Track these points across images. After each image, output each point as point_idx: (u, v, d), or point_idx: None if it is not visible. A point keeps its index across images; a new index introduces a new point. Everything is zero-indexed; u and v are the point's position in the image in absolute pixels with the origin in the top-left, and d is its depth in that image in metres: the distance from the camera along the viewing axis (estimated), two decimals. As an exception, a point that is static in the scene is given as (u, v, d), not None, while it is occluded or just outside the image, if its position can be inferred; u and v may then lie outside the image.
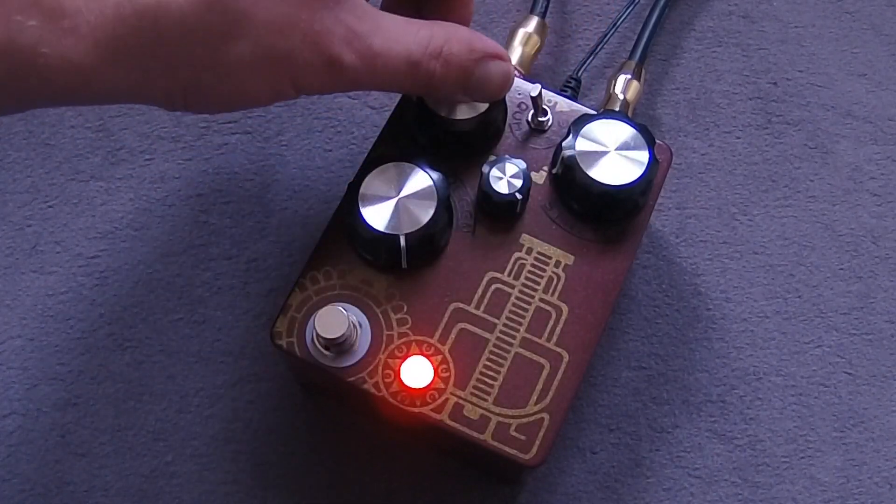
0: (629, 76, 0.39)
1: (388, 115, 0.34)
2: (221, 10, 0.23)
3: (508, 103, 0.34)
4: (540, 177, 0.33)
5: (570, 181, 0.32)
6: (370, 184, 0.31)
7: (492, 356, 0.31)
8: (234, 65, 0.25)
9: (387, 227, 0.30)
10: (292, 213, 0.40)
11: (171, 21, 0.23)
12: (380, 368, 0.30)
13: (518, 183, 0.31)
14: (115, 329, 0.38)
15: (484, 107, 0.32)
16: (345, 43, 0.26)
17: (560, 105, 0.34)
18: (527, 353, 0.31)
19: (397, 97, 0.35)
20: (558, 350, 0.31)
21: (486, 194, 0.32)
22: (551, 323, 0.31)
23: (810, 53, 0.44)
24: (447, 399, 0.30)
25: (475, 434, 0.30)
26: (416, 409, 0.30)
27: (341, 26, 0.26)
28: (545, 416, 0.30)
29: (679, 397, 0.38)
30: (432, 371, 0.31)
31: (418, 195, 0.31)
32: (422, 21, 0.29)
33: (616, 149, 0.32)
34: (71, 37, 0.22)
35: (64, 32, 0.22)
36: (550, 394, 0.31)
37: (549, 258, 0.32)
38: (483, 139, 0.33)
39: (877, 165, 0.42)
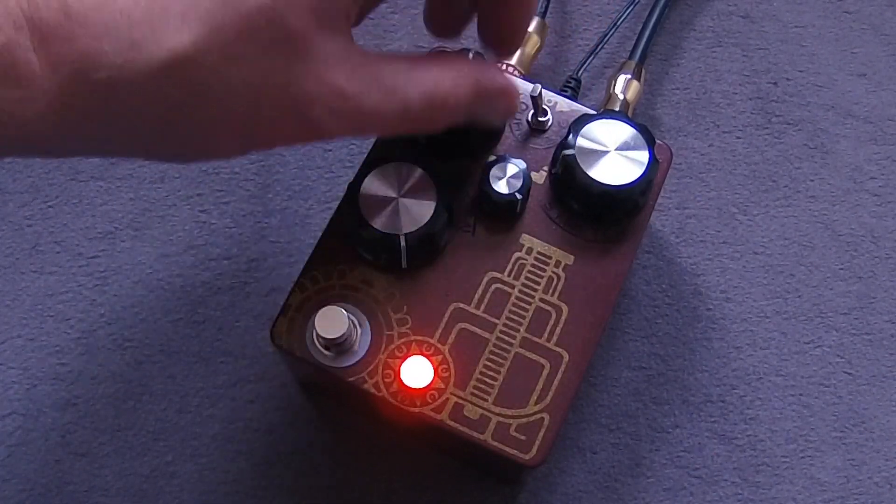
0: (629, 76, 0.39)
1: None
2: (178, 84, 0.22)
3: (508, 103, 0.34)
4: (540, 177, 0.33)
5: (570, 181, 0.32)
6: (370, 184, 0.31)
7: (492, 356, 0.31)
8: (196, 130, 0.24)
9: (387, 227, 0.30)
10: (292, 213, 0.40)
11: (126, 96, 0.22)
12: (380, 368, 0.30)
13: (518, 183, 0.31)
14: (115, 329, 0.38)
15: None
16: (327, 108, 0.24)
17: (560, 105, 0.34)
18: (527, 353, 0.31)
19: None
20: (558, 350, 0.31)
21: (486, 194, 0.32)
22: (551, 323, 0.31)
23: (810, 53, 0.44)
24: (447, 399, 0.30)
25: (475, 434, 0.30)
26: (416, 409, 0.30)
27: (325, 88, 0.24)
28: (545, 416, 0.30)
29: (679, 397, 0.38)
30: (432, 371, 0.31)
31: (418, 195, 0.31)
32: (428, 61, 0.27)
33: (616, 149, 0.32)
34: (28, 107, 0.22)
35: (20, 101, 0.22)
36: (550, 394, 0.31)
37: (549, 258, 0.32)
38: (483, 139, 0.33)
39: (877, 165, 0.42)
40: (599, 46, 0.41)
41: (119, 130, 0.23)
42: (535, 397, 0.31)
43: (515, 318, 0.31)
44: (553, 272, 0.32)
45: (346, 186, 0.32)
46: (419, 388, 0.30)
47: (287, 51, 0.23)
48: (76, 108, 0.22)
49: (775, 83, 0.43)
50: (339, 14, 0.24)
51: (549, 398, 0.31)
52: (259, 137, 0.25)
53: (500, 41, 0.29)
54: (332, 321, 0.29)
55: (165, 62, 0.22)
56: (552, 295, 0.32)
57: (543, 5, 0.40)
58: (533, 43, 0.39)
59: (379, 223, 0.31)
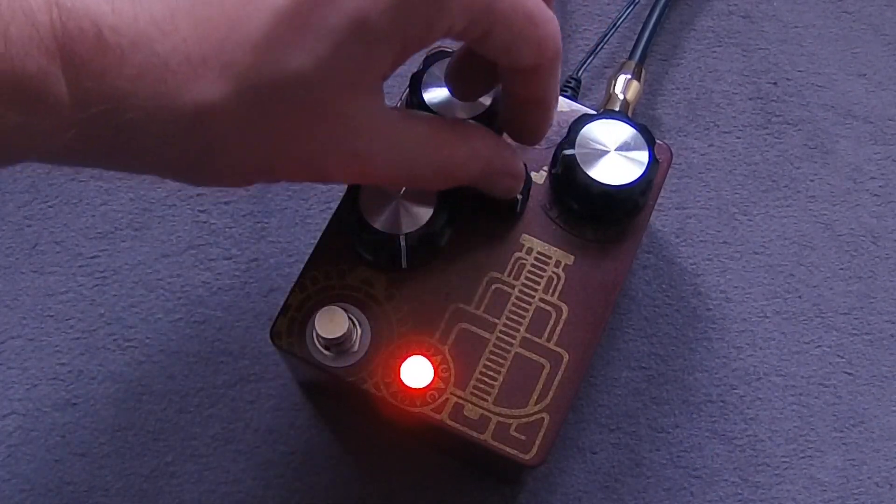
0: (629, 76, 0.39)
1: (388, 115, 0.34)
2: (202, 135, 0.23)
3: (508, 103, 0.34)
4: (540, 177, 0.33)
5: (569, 181, 0.32)
6: (384, 182, 0.31)
7: (492, 356, 0.31)
8: (211, 172, 0.24)
9: (387, 227, 0.30)
10: (292, 213, 0.40)
11: (149, 139, 0.23)
12: (380, 368, 0.30)
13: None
14: (115, 329, 0.38)
15: (484, 107, 0.32)
16: (339, 166, 0.25)
17: (560, 105, 0.34)
18: (527, 353, 0.31)
19: (398, 98, 0.35)
20: (558, 350, 0.31)
21: (487, 194, 0.32)
22: (551, 323, 0.31)
23: (810, 53, 0.44)
24: (447, 399, 0.30)
25: (475, 434, 0.30)
26: (416, 409, 0.30)
27: (341, 150, 0.25)
28: (545, 416, 0.30)
29: (679, 397, 0.38)
30: (432, 371, 0.31)
31: (418, 195, 0.31)
32: (447, 132, 0.27)
33: (616, 149, 0.32)
34: (53, 137, 0.22)
35: (45, 131, 0.21)
36: (550, 394, 0.31)
37: (549, 258, 0.32)
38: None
39: (877, 165, 0.42)
40: (599, 46, 0.41)
41: (139, 163, 0.24)
42: (535, 397, 0.31)
43: (515, 318, 0.31)
44: (553, 272, 0.32)
45: (346, 186, 0.32)
46: (419, 388, 0.30)
47: (314, 117, 0.24)
48: (101, 142, 0.22)
49: (775, 83, 0.43)
50: (375, 79, 0.24)
51: (549, 398, 0.31)
52: (267, 179, 0.25)
53: (523, 138, 0.30)
54: (332, 321, 0.29)
55: (193, 115, 0.22)
56: (552, 295, 0.32)
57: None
58: (533, 43, 0.39)
59: (379, 223, 0.31)
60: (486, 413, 0.30)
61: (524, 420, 0.30)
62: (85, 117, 0.22)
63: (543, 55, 0.26)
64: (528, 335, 0.31)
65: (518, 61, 0.26)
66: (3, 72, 0.20)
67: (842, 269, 0.40)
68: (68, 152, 0.22)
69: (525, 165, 0.32)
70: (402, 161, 0.26)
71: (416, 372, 0.30)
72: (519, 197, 0.31)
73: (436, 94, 0.32)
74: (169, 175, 0.25)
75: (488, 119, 0.32)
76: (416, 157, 0.26)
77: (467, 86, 0.30)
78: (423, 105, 0.32)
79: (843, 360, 0.39)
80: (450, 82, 0.31)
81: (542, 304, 0.32)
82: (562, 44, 0.27)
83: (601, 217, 0.33)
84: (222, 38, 0.22)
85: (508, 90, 0.28)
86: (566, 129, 0.33)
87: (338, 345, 0.30)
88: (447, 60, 0.32)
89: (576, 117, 0.33)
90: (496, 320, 0.31)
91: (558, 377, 0.31)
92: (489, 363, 0.31)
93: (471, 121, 0.30)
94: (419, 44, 0.24)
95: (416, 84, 0.32)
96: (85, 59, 0.21)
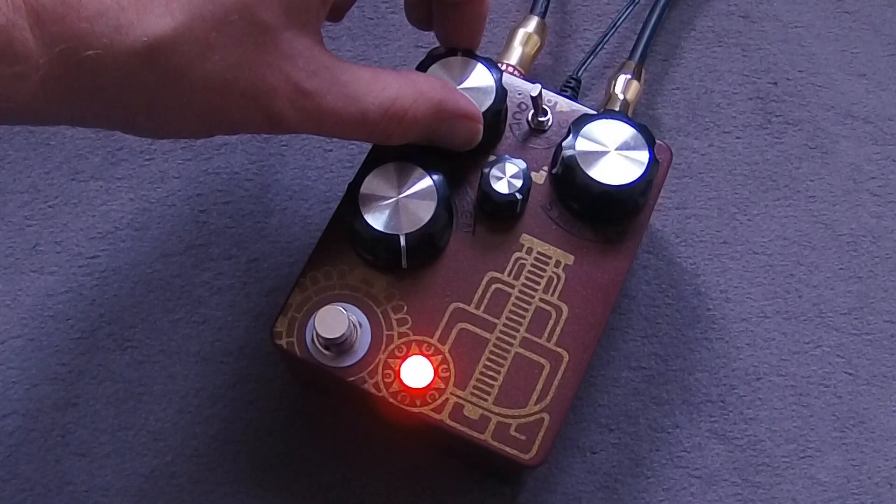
0: (629, 76, 0.39)
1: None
2: (156, 67, 0.24)
3: (508, 103, 0.34)
4: (540, 177, 0.33)
5: (570, 181, 0.32)
6: (370, 184, 0.31)
7: (492, 356, 0.31)
8: (167, 113, 0.25)
9: (387, 227, 0.30)
10: (292, 213, 0.40)
11: (109, 74, 0.24)
12: (380, 368, 0.30)
13: (518, 183, 0.31)
14: (115, 329, 0.38)
15: (484, 107, 0.32)
16: (288, 101, 0.26)
17: (560, 105, 0.34)
18: (527, 353, 0.31)
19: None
20: (558, 350, 0.31)
21: (486, 194, 0.32)
22: (551, 323, 0.31)
23: (810, 53, 0.44)
24: (447, 399, 0.30)
25: (475, 434, 0.30)
26: (416, 409, 0.30)
27: (287, 84, 0.26)
28: (545, 416, 0.30)
29: (679, 397, 0.38)
30: (432, 371, 0.31)
31: (418, 195, 0.31)
32: (392, 75, 0.28)
33: (616, 149, 0.32)
34: (22, 82, 0.23)
35: (15, 77, 0.23)
36: (550, 394, 0.31)
37: (549, 258, 0.32)
38: (483, 139, 0.33)
39: (877, 165, 0.42)
40: (599, 46, 0.41)
41: (101, 106, 0.25)
42: (535, 397, 0.31)
43: (515, 318, 0.31)
44: (553, 272, 0.32)
45: (346, 186, 0.32)
46: (419, 388, 0.30)
47: (257, 43, 0.25)
48: (65, 83, 0.24)
49: (775, 83, 0.43)
50: (308, 12, 0.26)
51: (549, 398, 0.31)
52: (225, 123, 0.26)
53: (458, 39, 0.31)
54: (332, 321, 0.29)
55: (147, 46, 0.24)
56: (552, 295, 0.32)
57: (543, 5, 0.40)
58: (533, 43, 0.39)
59: (379, 223, 0.31)
60: (486, 413, 0.30)
61: (524, 420, 0.30)
62: (49, 58, 0.23)
63: None
64: (528, 335, 0.31)
65: None
66: None
67: (842, 269, 0.40)
68: (36, 100, 0.24)
69: (525, 165, 0.32)
70: (349, 102, 0.27)
71: (416, 372, 0.30)
72: (518, 197, 0.31)
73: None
74: (130, 123, 0.26)
75: (486, 123, 0.32)
76: (364, 99, 0.27)
77: (420, 13, 0.31)
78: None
79: (843, 360, 0.39)
80: (407, 14, 0.32)
81: (542, 304, 0.32)
82: None
83: (601, 217, 0.33)
84: None
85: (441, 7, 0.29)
86: (566, 129, 0.33)
87: (338, 345, 0.30)
88: (447, 60, 0.32)
89: (576, 117, 0.33)
90: (496, 320, 0.31)
91: (558, 377, 0.31)
92: (489, 363, 0.31)
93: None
94: None
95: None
96: (48, 7, 0.23)
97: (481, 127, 0.31)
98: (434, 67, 0.32)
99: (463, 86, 0.32)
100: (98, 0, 0.23)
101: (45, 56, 0.23)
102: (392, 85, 0.28)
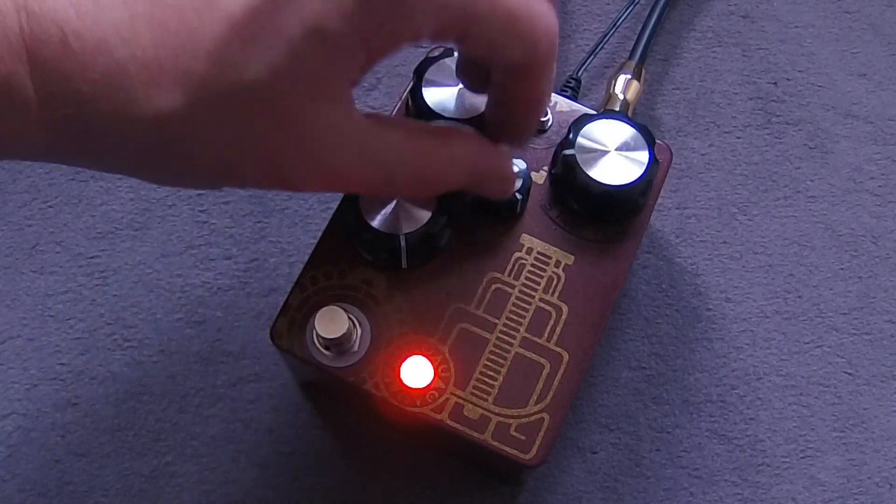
0: (629, 76, 0.39)
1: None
2: (164, 137, 0.23)
3: (508, 103, 0.34)
4: (540, 177, 0.33)
5: (569, 181, 0.32)
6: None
7: (492, 356, 0.31)
8: (174, 173, 0.24)
9: (387, 227, 0.30)
10: (292, 213, 0.40)
11: (113, 138, 0.23)
12: (380, 368, 0.30)
13: (518, 183, 0.31)
14: (115, 329, 0.38)
15: (483, 107, 0.32)
16: (308, 174, 0.24)
17: (560, 105, 0.34)
18: (527, 353, 0.31)
19: (398, 97, 0.35)
20: (558, 350, 0.31)
21: (486, 194, 0.32)
22: (551, 323, 0.31)
23: (810, 53, 0.44)
24: (447, 399, 0.30)
25: (475, 434, 0.30)
26: (416, 409, 0.30)
27: (309, 159, 0.24)
28: (545, 416, 0.30)
29: (679, 397, 0.38)
30: (432, 371, 0.31)
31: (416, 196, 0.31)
32: (425, 138, 0.26)
33: (616, 149, 0.32)
34: (20, 134, 0.22)
35: (12, 130, 0.22)
36: (550, 394, 0.31)
37: (549, 258, 0.32)
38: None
39: (877, 165, 0.42)
40: (599, 46, 0.41)
41: (104, 163, 0.24)
42: (535, 397, 0.31)
43: (515, 318, 0.31)
44: (553, 272, 0.32)
45: (346, 186, 0.32)
46: (419, 388, 0.30)
47: (273, 125, 0.23)
48: (69, 143, 0.23)
49: (775, 83, 0.43)
50: (342, 86, 0.24)
51: (549, 398, 0.30)
52: (234, 182, 0.25)
53: (508, 137, 0.29)
54: (332, 321, 0.29)
55: (154, 121, 0.22)
56: (552, 295, 0.32)
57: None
58: (533, 43, 0.39)
59: (379, 223, 0.30)
60: (486, 413, 0.30)
61: (524, 420, 0.30)
62: (53, 119, 0.22)
63: (534, 53, 0.25)
64: (528, 335, 0.31)
65: (505, 59, 0.25)
66: None
67: (842, 269, 0.40)
68: (41, 152, 0.23)
69: (525, 165, 0.32)
70: (375, 171, 0.25)
71: (416, 372, 0.30)
72: (518, 197, 0.31)
73: (438, 92, 0.32)
74: (139, 176, 0.25)
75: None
76: (391, 166, 0.25)
77: (477, 77, 0.29)
78: (423, 105, 0.32)
79: (843, 360, 0.39)
80: (460, 76, 0.30)
81: (542, 304, 0.32)
82: (557, 41, 0.25)
83: (601, 217, 0.33)
84: (179, 45, 0.22)
85: (497, 86, 0.27)
86: (566, 129, 0.33)
87: (338, 345, 0.30)
88: (448, 59, 0.32)
89: (576, 117, 0.33)
90: (496, 320, 0.31)
91: (558, 377, 0.31)
92: (489, 363, 0.31)
93: (459, 124, 0.30)
94: (385, 51, 0.23)
95: (418, 83, 0.32)
96: (51, 63, 0.21)
97: (513, 185, 0.30)
98: (433, 69, 0.32)
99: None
100: (103, 64, 0.22)
101: (46, 116, 0.22)
102: (424, 151, 0.26)
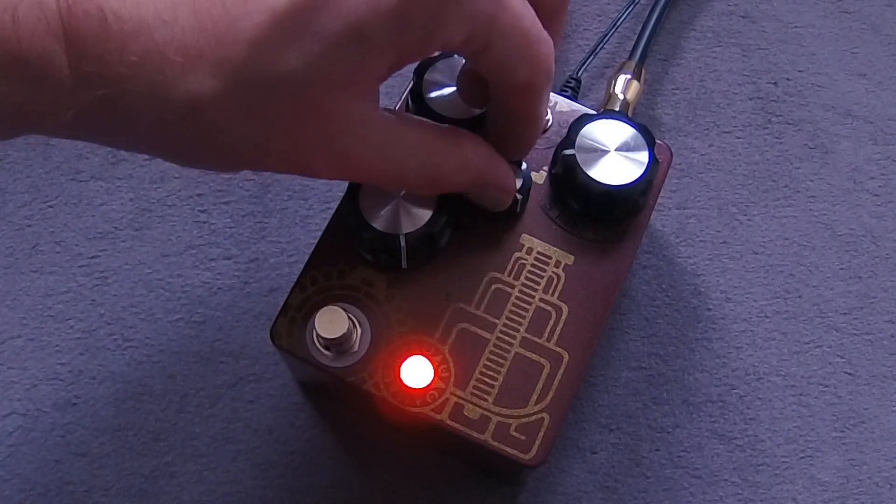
0: (629, 76, 0.39)
1: (388, 115, 0.34)
2: (194, 123, 0.23)
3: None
4: (540, 177, 0.33)
5: (569, 181, 0.32)
6: (370, 184, 0.31)
7: (492, 356, 0.31)
8: (199, 157, 0.25)
9: (387, 227, 0.30)
10: (292, 213, 0.40)
11: (144, 121, 0.23)
12: (380, 368, 0.30)
13: (518, 183, 0.31)
14: (115, 329, 0.38)
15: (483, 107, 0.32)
16: (327, 163, 0.25)
17: (560, 105, 0.34)
18: (527, 353, 0.31)
19: (398, 96, 0.35)
20: (558, 350, 0.31)
21: (486, 194, 0.32)
22: (551, 323, 0.31)
23: (810, 53, 0.44)
24: (447, 399, 0.30)
25: (475, 434, 0.30)
26: (416, 409, 0.30)
27: (331, 150, 0.25)
28: (545, 416, 0.30)
29: (679, 397, 0.38)
30: (432, 371, 0.31)
31: (418, 195, 0.31)
32: (439, 140, 0.27)
33: (616, 149, 0.32)
34: (50, 112, 0.22)
35: (46, 113, 0.22)
36: (550, 394, 0.31)
37: (549, 258, 0.32)
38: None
39: (877, 165, 0.42)
40: (599, 46, 0.41)
41: (132, 145, 0.25)
42: (535, 397, 0.31)
43: (515, 318, 0.31)
44: (553, 272, 0.32)
45: (346, 186, 0.32)
46: (419, 388, 0.30)
47: (304, 116, 0.24)
48: (98, 123, 0.23)
49: (775, 83, 0.43)
50: (370, 84, 0.25)
51: (549, 398, 0.30)
52: (256, 168, 0.26)
53: (508, 152, 0.30)
54: (332, 321, 0.29)
55: (187, 105, 0.23)
56: (552, 295, 0.32)
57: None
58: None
59: (379, 223, 0.31)
60: (486, 413, 0.30)
61: (524, 420, 0.30)
62: (85, 99, 0.22)
63: (536, 74, 0.26)
64: (528, 335, 0.31)
65: (511, 78, 0.26)
66: (9, 51, 0.21)
67: (842, 269, 0.40)
68: (68, 130, 0.23)
69: (525, 165, 0.32)
70: (390, 165, 0.26)
71: (416, 372, 0.30)
72: (519, 197, 0.31)
73: (438, 92, 0.32)
74: (161, 156, 0.25)
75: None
76: (405, 162, 0.26)
77: (477, 92, 0.30)
78: (423, 105, 0.32)
79: (843, 360, 0.39)
80: (460, 89, 0.31)
81: (542, 304, 0.32)
82: (554, 67, 0.27)
83: (601, 217, 0.33)
84: (220, 33, 0.22)
85: (497, 105, 0.28)
86: (566, 129, 0.33)
87: (338, 345, 0.30)
88: (448, 61, 0.32)
89: (576, 117, 0.33)
90: (496, 320, 0.31)
91: (558, 377, 0.31)
92: (489, 363, 0.31)
93: (458, 125, 0.30)
94: (417, 53, 0.24)
95: (418, 83, 0.32)
96: (88, 43, 0.22)
97: (510, 199, 0.31)
98: (433, 69, 0.32)
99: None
100: (142, 45, 0.22)
101: (79, 95, 0.22)
102: (438, 151, 0.27)
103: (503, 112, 0.28)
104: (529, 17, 0.25)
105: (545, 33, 0.26)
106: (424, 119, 0.29)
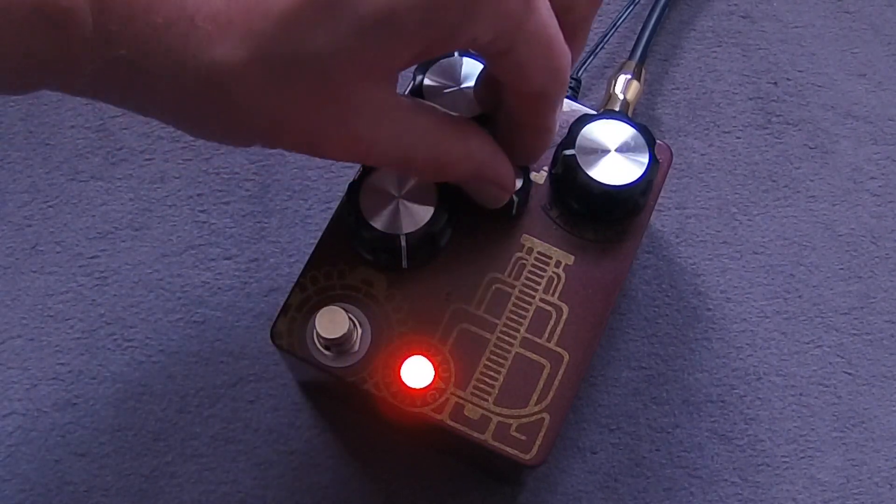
0: (629, 76, 0.39)
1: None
2: (213, 93, 0.23)
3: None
4: (540, 177, 0.33)
5: (570, 181, 0.32)
6: (370, 184, 0.31)
7: (492, 356, 0.31)
8: (214, 128, 0.25)
9: (387, 227, 0.30)
10: (292, 213, 0.40)
11: (163, 86, 0.23)
12: (380, 368, 0.30)
13: (518, 183, 0.31)
14: (115, 329, 0.38)
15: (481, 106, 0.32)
16: (340, 144, 0.25)
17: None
18: (527, 353, 0.31)
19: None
20: (558, 350, 0.31)
21: (487, 194, 0.32)
22: (552, 323, 0.31)
23: (810, 53, 0.44)
24: (447, 399, 0.30)
25: (475, 434, 0.30)
26: (416, 409, 0.30)
27: (346, 132, 0.25)
28: (545, 416, 0.30)
29: (679, 397, 0.38)
30: (433, 371, 0.31)
31: (419, 195, 0.31)
32: (448, 127, 0.27)
33: (616, 149, 0.32)
34: (70, 76, 0.22)
35: (64, 71, 0.22)
36: (551, 394, 0.31)
37: (550, 258, 0.32)
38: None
39: (877, 165, 0.42)
40: (599, 46, 0.41)
41: (146, 108, 0.24)
42: (535, 397, 0.31)
43: (516, 318, 0.31)
44: (553, 272, 0.32)
45: (346, 186, 0.32)
46: (419, 388, 0.30)
47: (323, 96, 0.24)
48: (116, 83, 0.23)
49: (775, 83, 0.43)
50: (391, 69, 0.25)
51: (549, 398, 0.31)
52: (267, 144, 0.26)
53: (516, 158, 0.30)
54: (332, 321, 0.29)
55: (208, 73, 0.23)
56: (552, 295, 0.32)
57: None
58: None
59: (379, 223, 0.31)
60: (486, 413, 0.30)
61: (524, 420, 0.30)
62: (105, 57, 0.22)
63: (551, 83, 0.26)
64: (528, 335, 0.31)
65: (526, 84, 0.26)
66: (33, 2, 0.21)
67: (842, 269, 0.40)
68: (88, 87, 0.23)
69: (525, 168, 0.32)
70: (399, 149, 0.26)
71: (417, 372, 0.30)
72: (515, 198, 0.31)
73: (439, 92, 0.32)
74: (175, 124, 0.25)
75: (485, 123, 0.32)
76: (414, 148, 0.27)
77: (493, 97, 0.31)
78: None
79: (843, 360, 0.39)
80: (477, 91, 0.31)
81: (543, 305, 0.32)
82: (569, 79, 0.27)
83: (601, 217, 0.33)
84: (251, 4, 0.23)
85: (510, 112, 0.29)
86: (566, 129, 0.33)
87: (338, 345, 0.30)
88: (449, 60, 0.32)
89: (576, 117, 0.33)
90: (496, 320, 0.31)
91: (558, 377, 0.31)
92: (489, 363, 0.31)
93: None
94: (442, 47, 0.25)
95: (419, 83, 0.32)
96: (116, 1, 0.22)
97: (507, 198, 0.31)
98: (434, 68, 0.32)
99: (464, 86, 0.32)
100: (171, 9, 0.22)
101: (101, 55, 0.22)
102: (445, 139, 0.27)
103: (514, 118, 0.29)
104: (554, 27, 0.25)
105: (566, 46, 0.26)
106: (436, 106, 0.29)
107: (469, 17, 0.23)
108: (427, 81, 0.32)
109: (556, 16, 0.26)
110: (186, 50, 0.22)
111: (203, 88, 0.23)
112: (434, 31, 0.24)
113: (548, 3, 0.25)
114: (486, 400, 0.30)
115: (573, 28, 0.27)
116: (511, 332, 0.31)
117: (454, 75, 0.32)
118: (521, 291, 0.32)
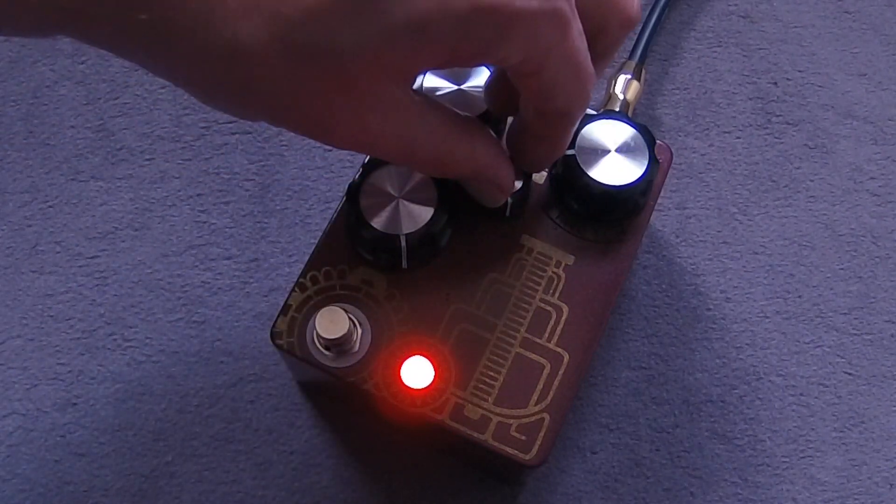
0: (629, 76, 0.39)
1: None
2: (229, 69, 0.23)
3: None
4: (540, 177, 0.33)
5: (570, 181, 0.32)
6: (370, 184, 0.31)
7: (492, 356, 0.31)
8: (224, 100, 0.25)
9: (387, 227, 0.30)
10: (292, 213, 0.40)
11: (183, 60, 0.23)
12: (380, 368, 0.30)
13: (518, 183, 0.31)
14: (115, 329, 0.38)
15: (482, 107, 0.32)
16: (349, 133, 0.25)
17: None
18: (527, 354, 0.31)
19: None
20: (558, 350, 0.31)
21: (487, 194, 0.32)
22: (552, 323, 0.31)
23: (810, 53, 0.44)
24: (448, 399, 0.30)
25: (476, 434, 0.30)
26: (416, 409, 0.30)
27: (356, 123, 0.25)
28: (545, 416, 0.30)
29: (679, 397, 0.38)
30: (433, 371, 0.31)
31: (418, 195, 0.31)
32: (454, 126, 0.28)
33: (616, 149, 0.32)
34: (88, 22, 0.23)
35: (85, 13, 0.22)
36: (551, 394, 0.31)
37: (550, 258, 0.32)
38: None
39: (877, 165, 0.42)
40: (599, 46, 0.41)
41: (161, 70, 0.24)
42: (535, 397, 0.31)
43: (516, 318, 0.31)
44: (553, 272, 0.32)
45: (346, 186, 0.32)
46: (419, 388, 0.30)
47: (340, 89, 0.24)
48: (134, 41, 0.23)
49: (775, 83, 0.43)
50: (412, 72, 0.25)
51: (549, 398, 0.31)
52: (276, 123, 0.26)
53: (526, 165, 0.30)
54: (332, 321, 0.29)
55: (230, 50, 0.23)
56: (552, 295, 0.32)
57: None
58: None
59: (379, 223, 0.31)
60: (486, 413, 0.30)
61: (524, 420, 0.30)
62: (126, 18, 0.22)
63: (574, 105, 0.27)
64: (528, 335, 0.31)
65: (550, 104, 0.26)
66: None
67: (842, 269, 0.40)
68: (102, 41, 0.23)
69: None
70: (404, 143, 0.26)
71: (417, 372, 0.30)
72: (510, 200, 0.31)
73: (439, 92, 0.32)
74: (187, 90, 0.25)
75: (485, 122, 0.32)
76: (420, 143, 0.27)
77: (505, 102, 0.30)
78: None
79: (843, 360, 0.39)
80: (488, 95, 0.31)
81: (543, 305, 0.32)
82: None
83: (601, 217, 0.33)
84: None
85: (527, 123, 0.29)
86: (566, 129, 0.33)
87: (338, 345, 0.30)
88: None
89: (576, 117, 0.33)
90: (496, 320, 0.31)
91: (558, 377, 0.31)
92: (490, 363, 0.31)
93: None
94: (469, 61, 0.25)
95: (419, 83, 0.32)
96: None
97: (506, 198, 0.31)
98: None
99: (465, 86, 0.32)
100: None
101: (121, 17, 0.22)
102: (451, 137, 0.27)
103: (530, 131, 0.29)
104: (584, 52, 0.25)
105: (592, 69, 0.26)
106: (443, 104, 0.29)
107: (502, 37, 0.23)
108: (428, 81, 0.32)
109: (587, 38, 0.26)
110: (209, 24, 0.22)
111: (220, 63, 0.23)
112: (464, 46, 0.23)
113: (580, 27, 0.25)
114: (486, 400, 0.30)
115: (603, 50, 0.27)
116: (511, 332, 0.31)
117: (455, 75, 0.32)
118: (521, 291, 0.32)
